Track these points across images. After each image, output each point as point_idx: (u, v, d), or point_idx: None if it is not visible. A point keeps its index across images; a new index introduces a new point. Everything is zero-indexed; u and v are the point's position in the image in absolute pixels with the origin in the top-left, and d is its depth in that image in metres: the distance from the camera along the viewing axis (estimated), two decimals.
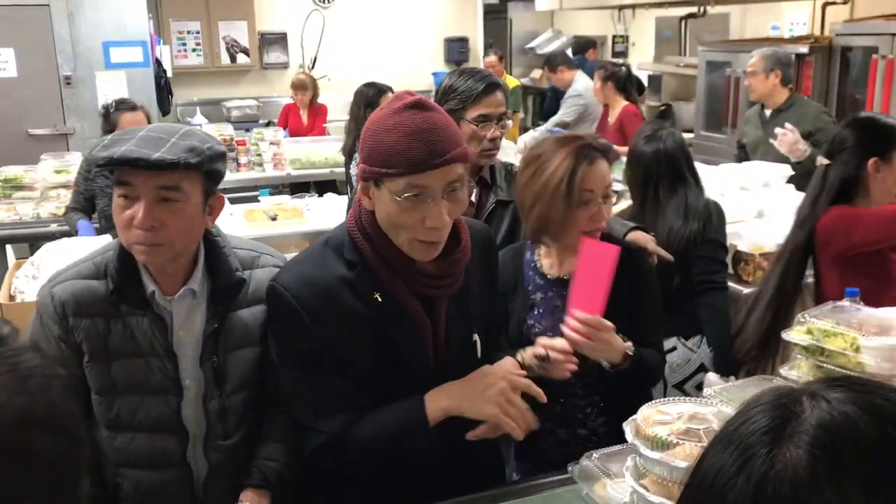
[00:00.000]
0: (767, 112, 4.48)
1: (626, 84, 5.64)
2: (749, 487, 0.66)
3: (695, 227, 2.80)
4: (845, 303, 1.84)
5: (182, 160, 1.56)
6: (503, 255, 2.11)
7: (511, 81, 7.91)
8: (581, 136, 2.04)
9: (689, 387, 2.88)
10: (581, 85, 6.41)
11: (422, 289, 1.64)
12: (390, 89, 4.90)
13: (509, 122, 2.53)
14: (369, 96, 4.81)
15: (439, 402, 1.64)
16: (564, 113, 6.37)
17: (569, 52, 8.54)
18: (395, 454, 1.68)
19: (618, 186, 4.54)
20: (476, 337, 1.76)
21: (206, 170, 1.62)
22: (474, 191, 2.48)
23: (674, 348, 2.88)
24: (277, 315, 1.67)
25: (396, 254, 1.60)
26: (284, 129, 6.90)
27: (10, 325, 0.87)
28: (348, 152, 4.81)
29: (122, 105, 3.96)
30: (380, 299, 1.61)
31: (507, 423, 1.63)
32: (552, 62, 6.71)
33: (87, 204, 4.02)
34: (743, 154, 4.68)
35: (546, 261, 2.13)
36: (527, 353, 1.90)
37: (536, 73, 9.70)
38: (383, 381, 1.66)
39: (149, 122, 4.02)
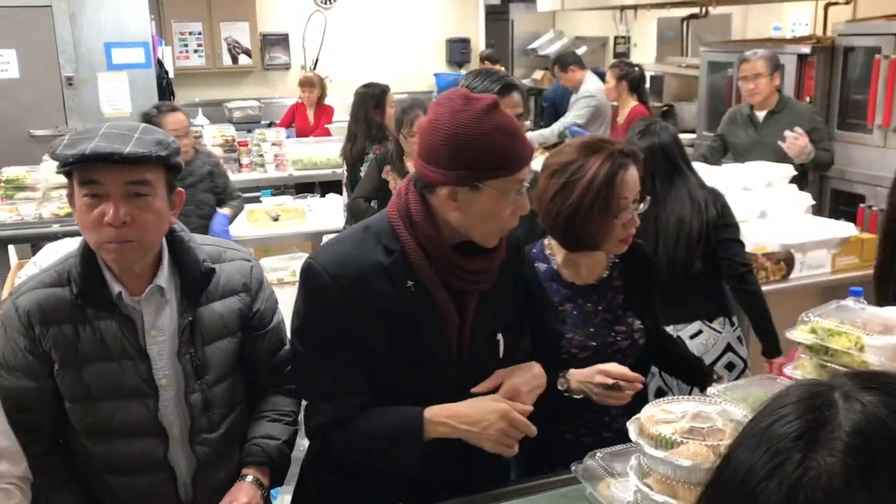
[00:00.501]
0: (759, 114, 4.47)
1: (639, 84, 5.67)
2: (781, 491, 0.66)
3: (713, 213, 2.82)
4: (849, 302, 1.83)
5: (154, 153, 1.58)
6: None
7: None
8: (607, 140, 2.00)
9: (718, 367, 2.88)
10: (593, 85, 6.34)
11: (456, 281, 1.66)
12: (388, 88, 4.87)
13: (526, 123, 2.50)
14: (376, 96, 4.76)
15: (439, 425, 1.64)
16: (577, 115, 6.22)
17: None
18: (381, 458, 1.68)
19: None
20: (500, 336, 1.78)
21: (172, 163, 1.64)
22: None
23: (699, 332, 2.89)
24: (310, 293, 1.65)
25: (439, 246, 1.63)
26: (289, 128, 6.89)
27: None
28: (353, 156, 4.73)
29: (164, 107, 3.97)
30: (413, 288, 1.63)
31: (504, 453, 1.66)
32: (563, 61, 6.55)
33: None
34: (721, 147, 4.65)
35: (566, 270, 2.06)
36: (575, 378, 1.87)
37: (538, 75, 9.69)
38: (403, 373, 1.67)
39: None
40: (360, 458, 1.71)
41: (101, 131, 1.59)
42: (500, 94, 2.27)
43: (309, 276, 1.65)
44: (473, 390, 1.71)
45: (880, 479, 0.64)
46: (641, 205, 1.94)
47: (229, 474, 1.84)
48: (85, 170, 1.57)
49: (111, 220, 1.57)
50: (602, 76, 6.49)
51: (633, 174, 1.94)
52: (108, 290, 1.67)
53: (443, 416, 1.64)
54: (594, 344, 2.01)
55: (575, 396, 1.89)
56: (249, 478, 1.79)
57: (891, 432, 0.66)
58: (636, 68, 5.81)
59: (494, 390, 1.71)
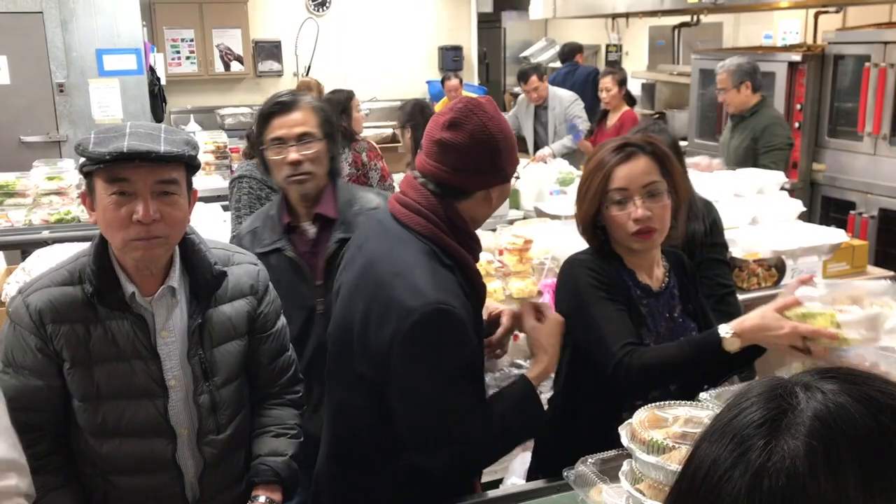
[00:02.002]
0: (731, 123, 4.69)
1: (629, 91, 5.96)
2: (745, 479, 0.66)
3: (700, 229, 2.70)
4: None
5: (185, 153, 1.61)
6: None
7: None
8: (631, 136, 2.03)
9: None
10: (568, 93, 6.39)
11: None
12: (353, 93, 4.85)
13: (314, 144, 2.26)
14: (341, 102, 4.73)
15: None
16: (583, 119, 6.21)
17: (556, 62, 8.54)
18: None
19: None
20: None
21: (196, 162, 1.67)
22: (311, 229, 2.31)
23: None
24: (448, 334, 1.62)
25: (474, 248, 1.80)
26: None
27: None
28: None
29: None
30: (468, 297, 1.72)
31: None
32: (540, 69, 6.43)
33: None
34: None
35: (637, 272, 1.98)
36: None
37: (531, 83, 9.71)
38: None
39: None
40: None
41: (127, 130, 1.60)
42: (274, 115, 2.31)
43: (444, 319, 1.60)
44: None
45: (842, 462, 0.64)
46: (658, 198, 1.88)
47: (235, 475, 1.85)
48: (115, 168, 1.57)
49: (142, 216, 1.57)
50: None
51: (636, 165, 1.88)
52: (122, 290, 1.68)
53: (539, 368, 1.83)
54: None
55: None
56: (262, 498, 1.80)
57: (852, 416, 0.66)
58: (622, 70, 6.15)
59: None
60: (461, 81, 7.89)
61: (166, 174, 1.61)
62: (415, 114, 4.63)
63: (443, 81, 7.88)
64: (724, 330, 1.75)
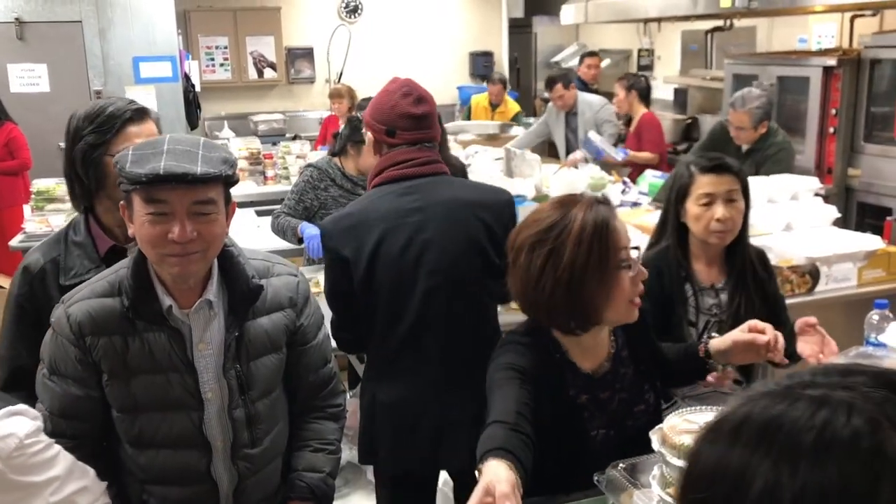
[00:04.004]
0: (743, 146, 4.55)
1: (647, 93, 6.01)
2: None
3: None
4: (868, 348, 1.82)
5: (223, 172, 1.59)
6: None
7: (513, 106, 7.90)
8: (576, 194, 1.80)
9: None
10: (596, 100, 6.35)
11: None
12: None
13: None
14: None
15: None
16: (613, 124, 6.12)
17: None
18: None
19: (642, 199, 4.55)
20: None
21: (234, 180, 1.65)
22: None
23: None
24: None
25: None
26: (325, 143, 6.88)
27: None
28: None
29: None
30: None
31: None
32: (566, 77, 6.31)
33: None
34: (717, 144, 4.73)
35: (577, 358, 1.83)
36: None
37: (556, 91, 9.71)
38: None
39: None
40: None
41: (164, 147, 1.58)
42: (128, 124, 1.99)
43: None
44: None
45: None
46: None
47: (271, 488, 1.85)
48: (151, 189, 1.55)
49: (177, 237, 1.56)
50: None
51: (622, 222, 1.75)
52: (159, 304, 1.67)
53: None
54: (612, 433, 1.82)
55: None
56: None
57: None
58: (641, 78, 6.11)
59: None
60: (505, 85, 7.93)
61: (203, 195, 1.59)
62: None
63: (491, 80, 8.01)
64: None
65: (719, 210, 2.30)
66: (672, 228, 2.42)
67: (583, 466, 1.71)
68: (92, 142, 1.85)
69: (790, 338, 2.12)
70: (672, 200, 2.42)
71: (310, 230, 3.68)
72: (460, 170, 3.54)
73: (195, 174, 1.54)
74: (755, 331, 1.88)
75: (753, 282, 2.41)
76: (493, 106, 7.89)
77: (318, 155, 6.35)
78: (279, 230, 3.83)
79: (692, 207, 2.35)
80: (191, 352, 1.71)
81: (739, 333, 1.90)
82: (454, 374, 2.25)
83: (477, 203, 2.29)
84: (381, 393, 2.32)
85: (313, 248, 3.62)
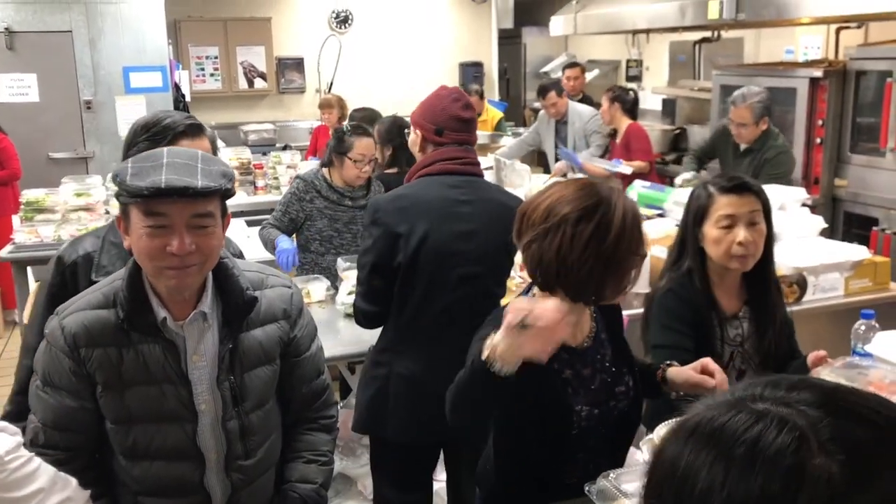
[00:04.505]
0: (742, 145, 4.67)
1: (632, 106, 6.04)
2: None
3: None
4: (855, 358, 1.84)
5: (223, 186, 1.60)
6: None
7: (494, 114, 7.95)
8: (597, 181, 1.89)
9: None
10: (587, 110, 6.41)
11: None
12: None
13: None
14: (403, 126, 4.66)
15: None
16: (602, 135, 6.23)
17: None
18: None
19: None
20: None
21: (231, 193, 1.66)
22: None
23: None
24: None
25: None
26: (315, 154, 6.89)
27: None
28: None
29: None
30: None
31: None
32: (558, 86, 6.47)
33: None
34: (709, 152, 5.08)
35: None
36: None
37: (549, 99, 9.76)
38: None
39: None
40: None
41: (164, 160, 1.59)
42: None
43: None
44: None
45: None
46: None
47: (264, 499, 1.86)
48: (151, 202, 1.56)
49: (176, 250, 1.57)
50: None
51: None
52: (154, 315, 1.68)
53: None
54: (597, 412, 1.83)
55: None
56: None
57: (848, 411, 0.71)
58: (630, 92, 6.19)
59: None
60: (481, 95, 7.98)
61: (202, 208, 1.60)
62: (393, 133, 4.46)
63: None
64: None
65: (741, 233, 2.15)
66: (692, 253, 2.25)
67: (568, 448, 1.78)
68: (144, 150, 1.87)
69: (802, 369, 2.12)
70: (690, 223, 2.26)
71: (283, 244, 3.73)
72: None
73: (196, 188, 1.55)
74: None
75: (774, 309, 2.28)
76: None
77: (310, 165, 6.37)
78: (263, 241, 3.89)
79: (711, 230, 2.19)
80: (185, 363, 1.71)
81: (692, 373, 1.91)
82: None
83: (510, 206, 2.36)
84: (400, 366, 2.51)
85: (284, 262, 3.69)
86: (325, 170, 3.90)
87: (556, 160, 6.40)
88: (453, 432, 2.32)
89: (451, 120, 2.52)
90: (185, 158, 1.62)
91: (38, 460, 1.51)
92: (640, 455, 1.54)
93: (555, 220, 1.70)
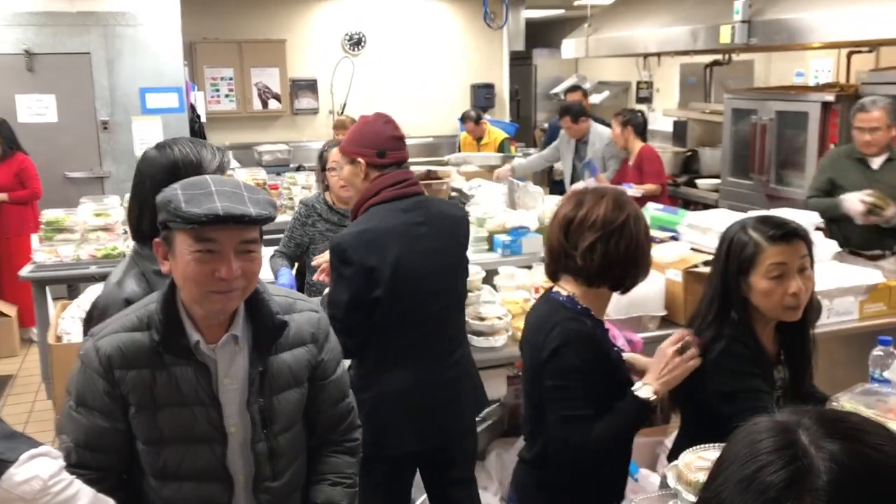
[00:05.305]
0: (874, 160, 4.30)
1: (643, 129, 6.11)
2: None
3: None
4: (874, 385, 1.85)
5: (272, 214, 1.66)
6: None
7: (497, 135, 8.03)
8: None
9: None
10: (606, 132, 6.46)
11: None
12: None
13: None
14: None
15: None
16: (618, 160, 6.31)
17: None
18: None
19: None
20: None
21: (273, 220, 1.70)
22: None
23: None
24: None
25: None
26: None
27: None
28: None
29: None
30: None
31: None
32: (575, 113, 6.49)
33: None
34: (828, 188, 4.42)
35: (594, 309, 2.20)
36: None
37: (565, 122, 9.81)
38: None
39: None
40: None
41: (212, 188, 1.63)
42: None
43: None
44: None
45: None
46: None
47: None
48: (204, 229, 1.60)
49: (225, 275, 1.62)
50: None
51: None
52: (187, 339, 1.71)
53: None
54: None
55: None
56: None
57: (863, 483, 0.79)
58: (638, 114, 6.21)
59: None
60: (477, 119, 8.06)
61: (250, 234, 1.65)
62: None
63: (463, 121, 8.08)
64: (638, 388, 2.04)
65: (794, 284, 2.02)
66: (737, 303, 2.10)
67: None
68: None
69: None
70: (732, 272, 2.08)
71: (281, 279, 3.74)
72: None
73: (251, 216, 1.61)
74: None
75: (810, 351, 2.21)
76: (478, 139, 8.01)
77: None
78: (272, 270, 3.90)
79: (760, 282, 2.04)
80: (216, 386, 1.74)
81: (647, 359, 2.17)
82: (450, 359, 2.71)
83: (459, 217, 2.80)
84: (389, 385, 2.61)
85: None
86: (326, 193, 3.96)
87: (573, 177, 6.47)
88: (447, 436, 2.76)
89: (389, 140, 2.63)
90: (231, 186, 1.66)
91: (78, 483, 1.54)
92: (658, 480, 1.57)
93: (617, 223, 2.05)
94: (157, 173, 2.04)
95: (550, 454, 2.06)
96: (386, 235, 2.55)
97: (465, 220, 2.85)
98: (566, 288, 2.12)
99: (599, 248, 2.03)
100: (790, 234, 2.04)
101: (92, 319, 1.99)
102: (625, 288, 2.13)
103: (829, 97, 5.25)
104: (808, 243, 2.09)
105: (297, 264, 4.01)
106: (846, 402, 1.84)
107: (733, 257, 2.08)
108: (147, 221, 2.05)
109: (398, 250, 2.55)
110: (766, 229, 2.05)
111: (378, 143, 2.62)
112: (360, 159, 2.63)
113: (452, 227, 2.73)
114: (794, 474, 0.79)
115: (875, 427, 0.85)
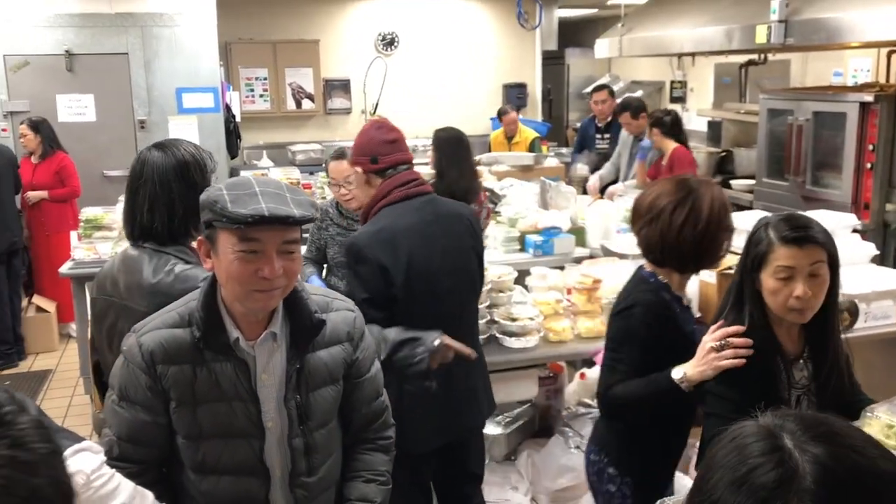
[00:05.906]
0: None
1: (672, 128, 5.94)
2: None
3: None
4: None
5: (313, 215, 1.69)
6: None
7: (527, 134, 8.00)
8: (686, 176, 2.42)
9: None
10: None
11: None
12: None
13: None
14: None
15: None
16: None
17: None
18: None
19: None
20: None
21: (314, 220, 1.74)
22: None
23: None
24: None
25: None
26: None
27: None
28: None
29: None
30: None
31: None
32: (636, 109, 6.54)
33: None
34: None
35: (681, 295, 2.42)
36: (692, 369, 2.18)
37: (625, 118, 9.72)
38: None
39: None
40: None
41: (256, 188, 1.66)
42: None
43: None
44: None
45: None
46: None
47: None
48: (249, 229, 1.63)
49: (268, 275, 1.65)
50: None
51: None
52: (227, 335, 1.75)
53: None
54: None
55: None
56: None
57: (846, 485, 0.84)
58: (670, 114, 6.11)
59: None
60: (517, 112, 8.05)
61: (292, 234, 1.69)
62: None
63: (500, 115, 8.04)
64: (677, 373, 2.15)
65: (799, 287, 2.00)
66: (751, 296, 2.10)
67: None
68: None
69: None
70: (748, 267, 2.10)
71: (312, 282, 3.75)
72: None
73: (295, 217, 1.64)
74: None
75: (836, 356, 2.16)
76: (509, 139, 8.00)
77: None
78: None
79: (768, 280, 2.04)
80: (255, 382, 1.77)
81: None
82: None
83: (466, 214, 2.86)
84: (409, 383, 2.59)
85: None
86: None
87: (626, 173, 6.52)
88: (467, 433, 2.87)
89: (379, 145, 2.69)
90: (273, 188, 1.69)
91: (119, 476, 1.58)
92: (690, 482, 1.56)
93: (656, 210, 2.26)
94: (165, 173, 2.13)
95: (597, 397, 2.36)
96: (401, 234, 2.60)
97: (475, 219, 2.91)
98: (650, 264, 2.37)
99: (643, 233, 2.31)
100: (804, 239, 2.00)
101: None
102: (689, 271, 2.34)
103: (869, 97, 5.17)
104: (828, 249, 2.03)
105: (324, 267, 4.05)
106: (884, 412, 1.80)
107: (751, 251, 2.08)
108: (160, 219, 2.13)
109: (412, 249, 2.60)
110: (782, 229, 2.03)
111: (369, 150, 2.69)
112: (358, 168, 2.73)
113: (461, 224, 2.78)
114: (783, 475, 0.84)
115: (855, 431, 0.91)
